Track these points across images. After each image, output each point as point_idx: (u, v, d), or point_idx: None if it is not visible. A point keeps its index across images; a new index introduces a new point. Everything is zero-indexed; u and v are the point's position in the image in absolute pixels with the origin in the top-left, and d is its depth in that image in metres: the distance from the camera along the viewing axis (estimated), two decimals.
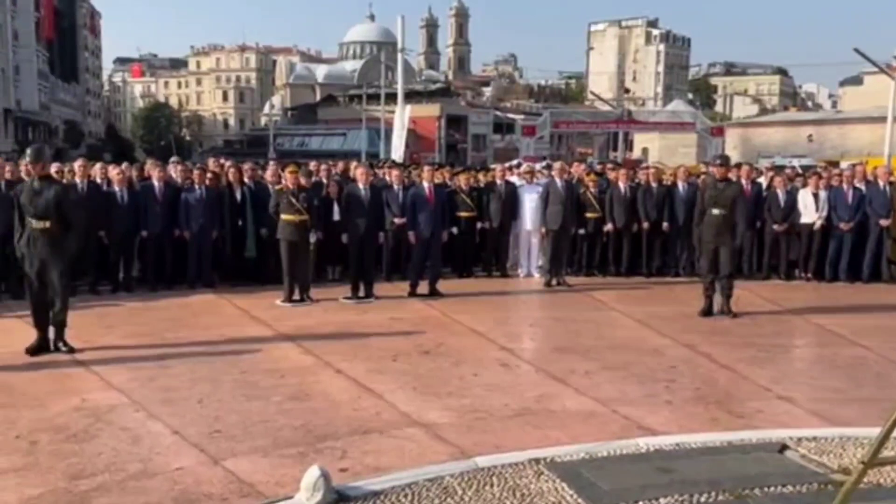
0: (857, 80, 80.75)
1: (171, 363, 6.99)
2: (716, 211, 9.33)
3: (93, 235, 10.11)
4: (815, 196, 12.04)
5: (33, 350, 7.21)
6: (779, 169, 16.29)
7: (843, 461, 4.73)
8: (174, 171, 11.44)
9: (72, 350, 7.28)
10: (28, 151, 7.84)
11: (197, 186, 10.76)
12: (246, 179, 11.34)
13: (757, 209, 12.08)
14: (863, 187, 12.09)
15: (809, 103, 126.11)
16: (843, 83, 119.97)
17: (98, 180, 10.74)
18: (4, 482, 4.46)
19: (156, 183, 10.73)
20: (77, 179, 10.41)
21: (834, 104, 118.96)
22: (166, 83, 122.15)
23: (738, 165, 13.49)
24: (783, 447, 4.96)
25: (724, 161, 10.03)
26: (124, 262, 10.65)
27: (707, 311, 9.38)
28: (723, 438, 5.15)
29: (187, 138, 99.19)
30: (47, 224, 7.17)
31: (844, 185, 12.08)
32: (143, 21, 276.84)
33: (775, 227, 12.02)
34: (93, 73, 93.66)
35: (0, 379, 6.46)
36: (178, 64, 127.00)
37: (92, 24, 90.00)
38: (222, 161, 13.70)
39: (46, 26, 65.32)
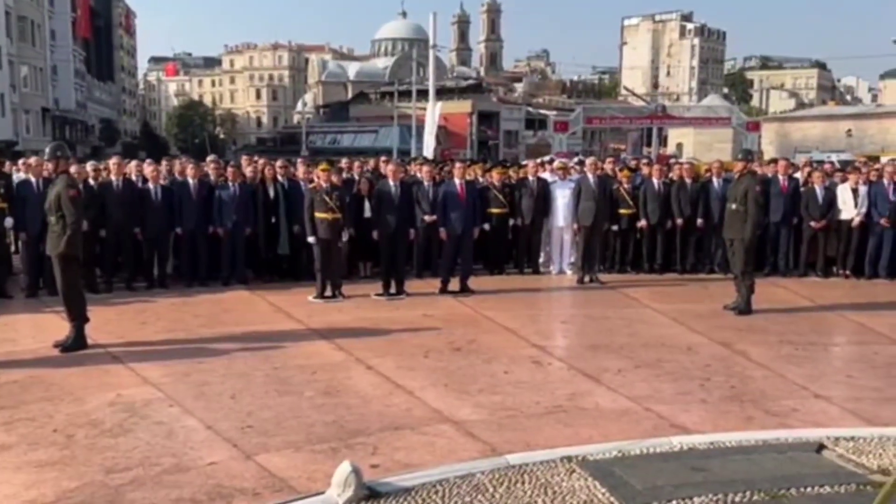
0: None
1: (204, 359, 7.06)
2: (732, 206, 9.28)
3: (126, 232, 10.35)
4: (855, 191, 11.83)
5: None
6: (817, 164, 16.02)
7: (882, 461, 4.65)
8: (210, 168, 11.53)
9: (65, 349, 7.18)
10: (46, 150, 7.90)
11: (230, 184, 10.85)
12: (279, 177, 11.41)
13: (794, 205, 11.92)
14: None
15: (848, 97, 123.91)
16: (883, 76, 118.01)
17: (133, 177, 10.88)
18: (43, 475, 4.53)
19: (190, 180, 10.84)
20: (112, 177, 10.57)
21: (874, 98, 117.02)
22: (200, 82, 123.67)
23: (775, 160, 13.32)
24: (820, 447, 4.88)
25: (745, 155, 10.03)
26: (159, 258, 10.77)
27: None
28: (758, 437, 5.07)
29: (221, 136, 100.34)
30: (52, 220, 7.31)
31: (885, 181, 11.82)
32: (178, 20, 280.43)
33: (813, 224, 11.83)
34: (128, 72, 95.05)
35: (37, 374, 6.57)
36: (211, 63, 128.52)
37: (127, 24, 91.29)
38: (255, 159, 13.79)
39: (83, 26, 66.23)
